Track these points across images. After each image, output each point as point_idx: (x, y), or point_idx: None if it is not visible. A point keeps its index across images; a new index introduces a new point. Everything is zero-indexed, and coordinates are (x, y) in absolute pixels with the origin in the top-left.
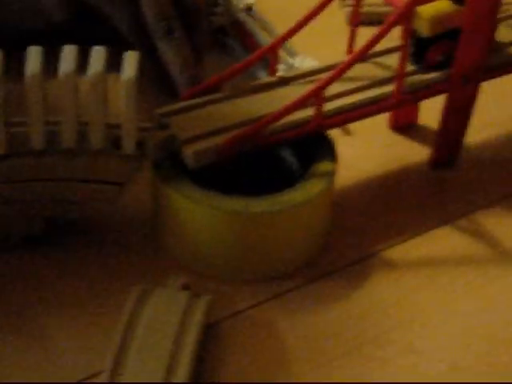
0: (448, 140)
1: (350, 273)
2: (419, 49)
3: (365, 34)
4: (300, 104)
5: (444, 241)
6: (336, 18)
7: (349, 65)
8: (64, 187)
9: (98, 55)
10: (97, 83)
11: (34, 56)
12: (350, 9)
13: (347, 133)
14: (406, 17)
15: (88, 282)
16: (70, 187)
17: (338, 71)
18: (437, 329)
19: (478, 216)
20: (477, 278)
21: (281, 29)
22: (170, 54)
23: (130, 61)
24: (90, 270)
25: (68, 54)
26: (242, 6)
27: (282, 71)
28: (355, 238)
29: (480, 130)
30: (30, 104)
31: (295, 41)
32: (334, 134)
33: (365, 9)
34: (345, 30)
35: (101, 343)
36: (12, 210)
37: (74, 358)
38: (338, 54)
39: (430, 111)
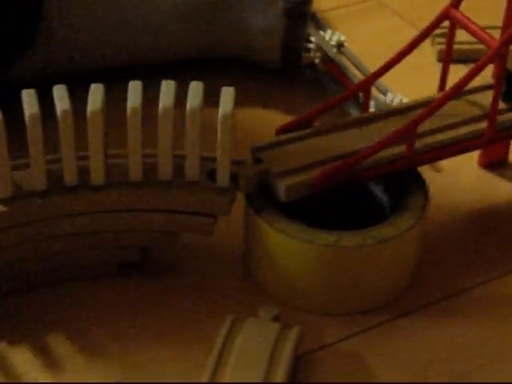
0: None
1: (438, 309)
2: (510, 87)
3: (456, 71)
4: (393, 140)
5: None
6: (427, 55)
7: (443, 102)
8: (159, 218)
9: (195, 89)
10: (194, 117)
11: (134, 90)
12: (441, 46)
13: (437, 169)
14: (500, 55)
15: (181, 311)
16: (165, 218)
17: (432, 108)
18: None
19: None
20: None
21: (371, 66)
22: None
23: (227, 96)
24: (184, 300)
25: (166, 88)
26: (333, 42)
27: (373, 108)
28: (444, 273)
29: None
30: (129, 136)
31: (386, 78)
32: (424, 169)
33: (456, 46)
34: (435, 68)
35: (193, 371)
36: (108, 239)
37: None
38: (428, 91)
39: None
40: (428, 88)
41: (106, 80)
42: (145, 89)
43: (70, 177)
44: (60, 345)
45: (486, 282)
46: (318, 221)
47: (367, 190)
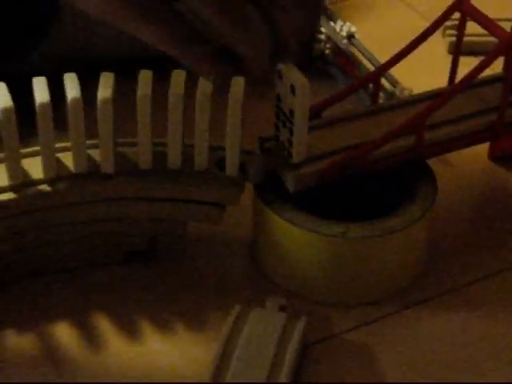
0: None
1: (443, 302)
2: None
3: (466, 63)
4: (401, 131)
5: None
6: (438, 46)
7: (452, 94)
8: (168, 207)
9: (205, 78)
10: (202, 105)
11: (143, 79)
12: (452, 38)
13: (446, 162)
14: (510, 48)
15: (188, 301)
16: (173, 207)
17: (441, 100)
18: None
19: None
20: None
21: (381, 57)
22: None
23: (236, 84)
24: (191, 289)
25: (176, 78)
26: (344, 33)
27: (383, 99)
28: (452, 266)
29: None
30: (139, 125)
31: (396, 69)
32: (433, 161)
33: (467, 38)
34: (446, 59)
35: (201, 359)
36: (117, 227)
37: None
38: (438, 82)
39: None
40: (439, 80)
41: (118, 70)
42: (160, 79)
43: (80, 165)
44: (64, 334)
45: (492, 275)
46: (327, 211)
47: (376, 181)
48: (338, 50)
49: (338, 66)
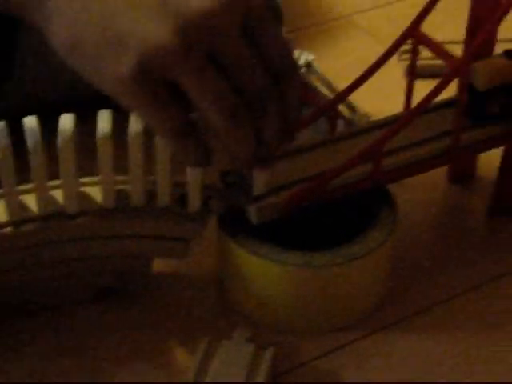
0: (506, 190)
1: (410, 324)
2: (475, 102)
3: (423, 86)
4: (360, 159)
5: (506, 290)
6: (395, 70)
7: (406, 121)
8: (132, 244)
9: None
10: (163, 142)
11: (104, 118)
12: (407, 62)
13: (405, 184)
14: (459, 74)
15: (156, 336)
16: (137, 244)
17: (397, 127)
18: (501, 378)
19: None
20: None
21: (340, 84)
22: None
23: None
24: (158, 323)
25: (135, 116)
26: (302, 62)
27: (341, 127)
28: (415, 288)
29: None
30: (100, 164)
31: (355, 94)
32: (393, 185)
33: (423, 62)
34: (403, 83)
35: None
36: (83, 266)
37: None
38: (397, 106)
39: (489, 161)
40: (397, 104)
41: (77, 110)
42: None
43: (44, 206)
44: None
45: (456, 295)
46: (291, 240)
47: (337, 209)
48: None
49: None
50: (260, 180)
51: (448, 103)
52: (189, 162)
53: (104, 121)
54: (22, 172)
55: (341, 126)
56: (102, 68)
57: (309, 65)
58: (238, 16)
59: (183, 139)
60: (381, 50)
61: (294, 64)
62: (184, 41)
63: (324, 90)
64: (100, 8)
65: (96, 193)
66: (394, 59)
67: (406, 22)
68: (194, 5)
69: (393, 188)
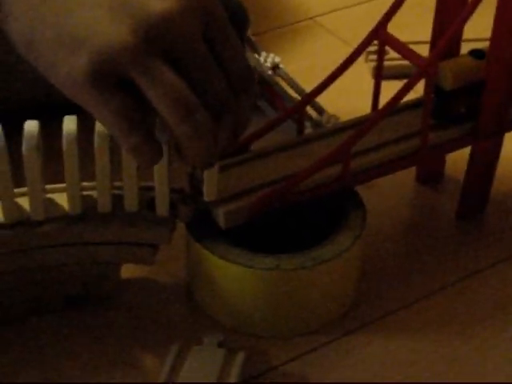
0: (474, 191)
1: (382, 325)
2: (442, 102)
3: (391, 87)
4: (328, 161)
5: (473, 292)
6: (362, 71)
7: (373, 123)
8: (99, 250)
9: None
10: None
11: (68, 125)
12: (374, 63)
13: (373, 186)
14: (428, 72)
15: (126, 343)
16: (105, 250)
17: (365, 128)
18: (473, 377)
19: (505, 266)
20: (509, 327)
21: (307, 85)
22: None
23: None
24: (128, 331)
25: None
26: (268, 64)
27: (309, 128)
28: (386, 289)
29: (507, 179)
30: (66, 170)
31: (322, 96)
32: (361, 186)
33: (389, 63)
34: (371, 84)
35: None
36: (50, 273)
37: None
38: (365, 107)
39: (458, 162)
40: (365, 104)
41: (40, 117)
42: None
43: (9, 214)
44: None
45: (426, 295)
46: (260, 243)
47: (306, 212)
48: (264, 82)
49: (265, 98)
50: (210, 185)
51: (415, 104)
52: (141, 162)
53: (69, 124)
54: None
55: (308, 127)
56: (57, 67)
57: (276, 67)
58: (199, 21)
59: (135, 138)
60: (348, 51)
61: (251, 79)
62: (140, 40)
63: (291, 92)
64: (56, 6)
65: (62, 199)
66: (360, 60)
67: (372, 23)
68: (153, 6)
69: (361, 189)
